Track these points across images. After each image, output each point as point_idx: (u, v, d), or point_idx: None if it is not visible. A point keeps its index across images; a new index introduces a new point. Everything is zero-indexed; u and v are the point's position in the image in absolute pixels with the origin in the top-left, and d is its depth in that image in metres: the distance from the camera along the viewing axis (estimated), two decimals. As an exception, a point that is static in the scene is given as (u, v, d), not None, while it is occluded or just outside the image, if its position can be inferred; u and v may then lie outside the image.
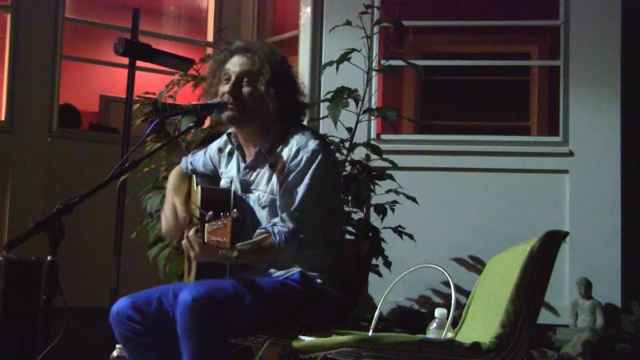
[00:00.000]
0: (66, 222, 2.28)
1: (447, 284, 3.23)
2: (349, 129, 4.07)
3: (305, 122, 2.98)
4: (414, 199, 4.21)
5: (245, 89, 2.77)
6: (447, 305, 2.32)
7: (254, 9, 6.09)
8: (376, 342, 2.13)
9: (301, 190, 2.67)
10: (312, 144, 2.73)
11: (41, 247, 2.39)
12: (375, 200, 4.19)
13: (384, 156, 4.05)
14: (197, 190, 2.83)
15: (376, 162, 4.10)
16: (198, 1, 6.97)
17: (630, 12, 5.03)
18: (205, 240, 2.41)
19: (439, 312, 2.29)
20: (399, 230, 4.16)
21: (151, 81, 5.17)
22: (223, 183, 2.95)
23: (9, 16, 5.36)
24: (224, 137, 2.99)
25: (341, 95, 3.86)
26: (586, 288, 4.66)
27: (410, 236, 4.17)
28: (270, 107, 2.76)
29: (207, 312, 2.45)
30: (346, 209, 3.97)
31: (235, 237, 2.29)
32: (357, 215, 4.10)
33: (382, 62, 4.54)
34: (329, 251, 2.80)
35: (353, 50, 4.00)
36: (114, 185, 3.81)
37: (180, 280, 3.29)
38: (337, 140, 4.08)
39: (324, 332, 2.55)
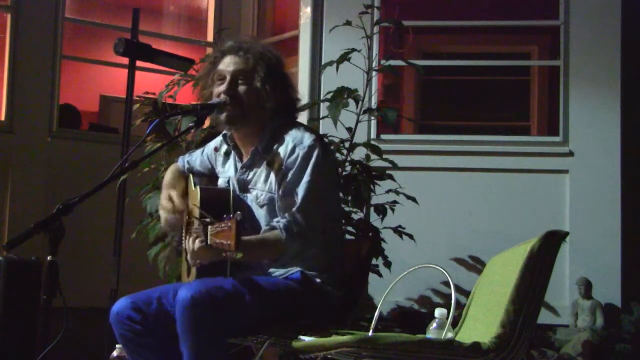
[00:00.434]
0: (66, 222, 2.28)
1: (447, 284, 3.23)
2: (349, 129, 4.06)
3: (305, 122, 2.99)
4: (414, 199, 4.21)
5: (242, 87, 2.77)
6: (447, 305, 2.32)
7: (254, 9, 6.09)
8: (376, 342, 2.13)
9: (301, 189, 2.67)
10: (308, 140, 2.73)
11: (41, 247, 2.39)
12: (375, 200, 4.19)
13: (384, 156, 4.04)
14: (195, 191, 2.82)
15: (376, 162, 4.10)
16: (198, 1, 6.97)
17: (630, 12, 5.03)
18: (209, 242, 2.41)
19: (439, 312, 2.29)
20: (399, 230, 4.16)
21: (151, 81, 5.17)
22: (220, 183, 2.95)
23: (9, 16, 5.36)
24: (220, 137, 2.99)
25: (341, 95, 3.86)
26: (586, 288, 4.66)
27: (410, 236, 4.17)
28: (267, 104, 2.76)
29: (207, 311, 2.45)
30: (346, 209, 3.97)
31: (240, 239, 2.29)
32: (357, 215, 4.10)
33: (382, 62, 4.54)
34: (329, 251, 2.80)
35: (353, 50, 4.00)
36: (114, 185, 3.81)
37: (180, 280, 3.29)
38: (337, 140, 4.08)
39: (324, 332, 2.55)
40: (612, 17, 5.00)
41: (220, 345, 2.52)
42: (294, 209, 2.65)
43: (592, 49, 5.03)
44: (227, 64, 2.80)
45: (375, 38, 4.92)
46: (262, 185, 2.79)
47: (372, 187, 4.04)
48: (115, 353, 3.10)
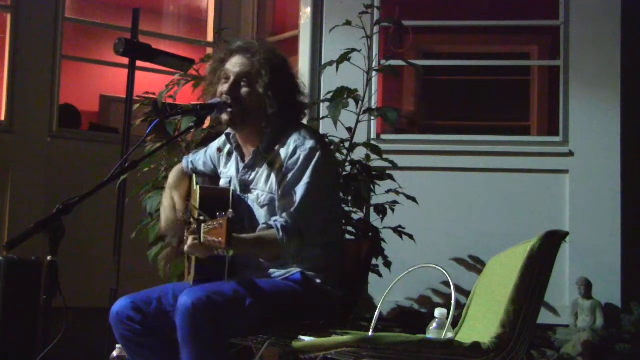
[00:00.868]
0: (66, 222, 2.28)
1: (447, 284, 3.23)
2: (349, 129, 4.07)
3: (305, 122, 2.98)
4: (414, 199, 4.21)
5: (244, 90, 2.77)
6: (447, 305, 2.32)
7: (254, 9, 6.09)
8: (376, 342, 2.13)
9: (300, 189, 2.67)
10: (310, 142, 2.73)
11: (41, 247, 2.39)
12: (375, 200, 4.19)
13: (384, 156, 4.04)
14: (196, 190, 2.83)
15: (376, 162, 4.10)
16: (198, 1, 6.97)
17: (630, 12, 5.02)
18: (202, 240, 2.42)
19: (439, 312, 2.29)
20: (399, 231, 4.16)
21: (151, 81, 5.17)
22: (222, 183, 2.96)
23: (9, 16, 5.36)
24: (223, 137, 3.00)
25: (341, 95, 3.86)
26: (586, 288, 4.66)
27: (410, 236, 4.17)
28: (269, 109, 2.76)
29: (207, 317, 2.45)
30: (346, 209, 3.97)
31: (231, 236, 2.30)
32: (357, 215, 4.10)
33: (382, 62, 4.54)
34: (329, 251, 2.80)
35: (353, 50, 4.00)
36: (114, 185, 3.81)
37: (180, 280, 3.29)
38: (337, 140, 4.08)
39: (324, 332, 2.55)
40: (612, 17, 5.00)
41: (221, 350, 2.51)
42: (291, 208, 2.65)
43: (592, 49, 5.03)
44: (234, 65, 2.80)
45: (375, 38, 4.91)
46: (263, 186, 2.79)
47: (372, 187, 4.04)
48: (115, 353, 3.10)
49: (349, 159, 4.08)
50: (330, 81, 4.64)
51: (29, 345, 3.80)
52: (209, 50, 5.73)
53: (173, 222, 2.83)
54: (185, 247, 2.54)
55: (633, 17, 5.05)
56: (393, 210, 4.16)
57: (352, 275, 2.91)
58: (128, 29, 4.18)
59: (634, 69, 5.03)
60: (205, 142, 3.37)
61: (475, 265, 4.89)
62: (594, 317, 4.61)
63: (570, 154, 5.01)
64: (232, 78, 2.78)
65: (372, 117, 4.46)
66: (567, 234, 2.28)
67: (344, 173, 4.01)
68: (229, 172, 2.93)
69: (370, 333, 2.32)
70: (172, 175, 3.08)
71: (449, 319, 2.26)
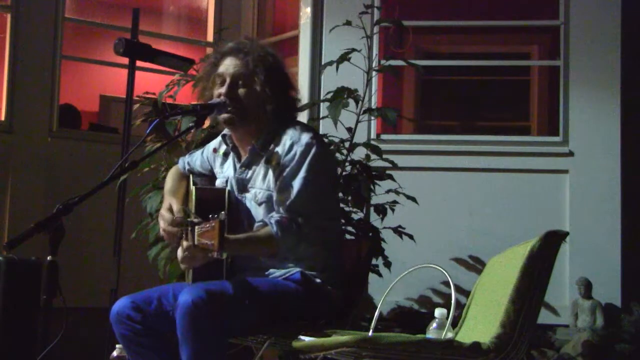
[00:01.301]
0: (66, 222, 2.28)
1: (447, 284, 3.23)
2: (349, 129, 4.07)
3: (305, 122, 2.99)
4: (414, 199, 4.21)
5: (242, 90, 2.78)
6: (447, 305, 2.32)
7: (254, 9, 6.09)
8: (376, 342, 2.13)
9: (297, 183, 2.68)
10: (305, 138, 2.74)
11: (41, 247, 2.39)
12: (375, 200, 4.19)
13: (384, 156, 4.04)
14: (192, 191, 2.83)
15: (376, 162, 4.10)
16: (198, 1, 6.97)
17: (630, 12, 5.02)
18: (195, 242, 2.42)
19: (439, 312, 2.29)
20: (399, 230, 4.16)
21: (151, 81, 5.17)
22: (219, 183, 2.95)
23: (9, 16, 5.35)
24: (219, 138, 3.00)
25: (341, 95, 3.86)
26: (586, 288, 4.66)
27: (410, 236, 4.17)
28: (267, 106, 2.76)
29: (207, 316, 2.45)
30: (346, 209, 3.97)
31: (223, 238, 2.30)
32: (357, 215, 4.10)
33: (382, 62, 4.54)
34: (329, 250, 2.80)
35: (353, 50, 4.00)
36: (114, 185, 3.81)
37: (180, 280, 3.29)
38: (337, 140, 4.08)
39: (324, 332, 2.55)
40: (612, 17, 5.00)
41: (220, 349, 2.51)
42: (287, 202, 2.66)
43: (592, 49, 5.03)
44: (227, 67, 2.80)
45: (375, 38, 4.91)
46: (260, 183, 2.79)
47: (372, 187, 4.04)
48: (115, 353, 3.10)
49: (349, 159, 4.08)
50: (330, 81, 4.64)
51: (29, 345, 3.79)
52: (209, 50, 5.73)
53: (171, 233, 2.80)
54: (179, 253, 2.54)
55: (633, 17, 5.05)
56: (393, 210, 4.16)
57: (352, 275, 2.91)
58: (128, 29, 4.18)
59: (634, 69, 5.03)
60: (205, 142, 3.37)
61: (475, 265, 4.89)
62: (594, 317, 4.61)
63: (570, 154, 5.01)
64: (228, 80, 2.78)
65: (372, 117, 4.47)
66: (567, 234, 2.28)
67: (344, 173, 4.01)
68: (226, 173, 2.93)
69: (370, 333, 2.32)
70: (169, 178, 3.07)
71: (449, 319, 2.26)
